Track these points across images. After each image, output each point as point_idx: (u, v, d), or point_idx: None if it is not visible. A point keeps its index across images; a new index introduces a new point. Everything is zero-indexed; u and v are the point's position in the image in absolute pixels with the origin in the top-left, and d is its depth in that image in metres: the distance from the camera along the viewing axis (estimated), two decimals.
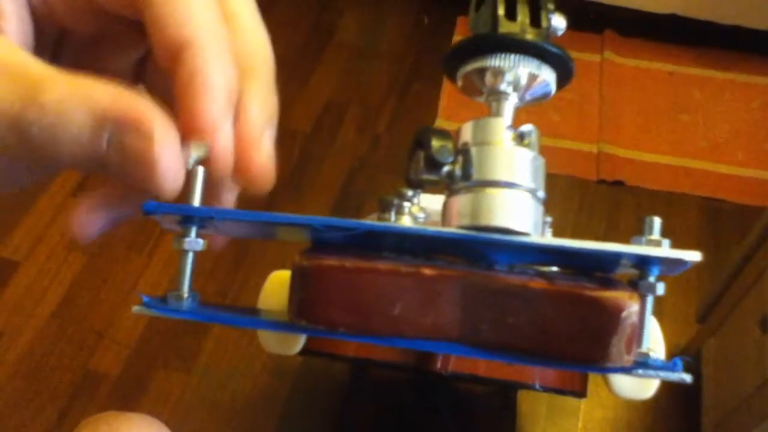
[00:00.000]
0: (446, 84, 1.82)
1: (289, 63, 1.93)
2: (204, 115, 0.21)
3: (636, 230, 0.21)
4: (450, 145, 0.21)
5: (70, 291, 1.47)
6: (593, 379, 0.98)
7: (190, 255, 0.22)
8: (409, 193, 0.29)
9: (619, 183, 1.66)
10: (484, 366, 0.85)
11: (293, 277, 0.20)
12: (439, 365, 0.81)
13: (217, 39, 0.21)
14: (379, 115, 1.81)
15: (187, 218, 0.22)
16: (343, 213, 1.56)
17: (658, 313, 0.21)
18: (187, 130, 0.21)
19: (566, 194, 1.63)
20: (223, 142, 0.21)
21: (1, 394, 1.34)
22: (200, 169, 0.21)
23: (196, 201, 0.21)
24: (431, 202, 0.31)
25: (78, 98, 0.19)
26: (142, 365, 1.38)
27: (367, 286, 0.20)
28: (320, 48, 1.97)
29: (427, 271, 0.20)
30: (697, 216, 1.60)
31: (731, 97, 1.84)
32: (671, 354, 0.21)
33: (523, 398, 1.31)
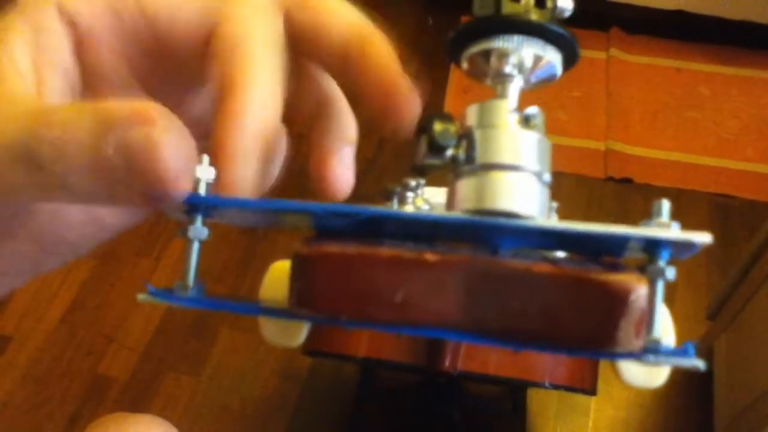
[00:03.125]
0: (451, 84, 1.81)
1: None
2: (223, 144, 0.21)
3: None
4: (452, 128, 0.20)
5: (79, 296, 1.48)
6: (603, 377, 0.98)
7: (196, 244, 0.22)
8: (413, 183, 0.28)
9: (627, 180, 1.65)
10: (493, 364, 0.85)
11: (293, 265, 0.20)
12: (447, 364, 0.81)
13: (263, 86, 0.22)
14: None
15: (193, 207, 0.21)
16: None
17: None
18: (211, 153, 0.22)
19: (574, 192, 1.62)
20: (232, 176, 0.21)
21: (11, 399, 1.34)
22: (205, 157, 0.22)
23: (201, 189, 0.21)
24: (435, 194, 0.31)
25: (85, 111, 0.19)
26: (151, 369, 1.38)
27: (369, 273, 0.19)
28: None
29: (431, 257, 0.19)
30: (707, 212, 1.58)
31: (739, 92, 1.82)
32: None
33: (533, 398, 1.30)
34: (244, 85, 0.22)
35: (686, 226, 0.20)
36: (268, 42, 0.23)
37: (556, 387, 0.88)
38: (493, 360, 0.84)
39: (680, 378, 1.31)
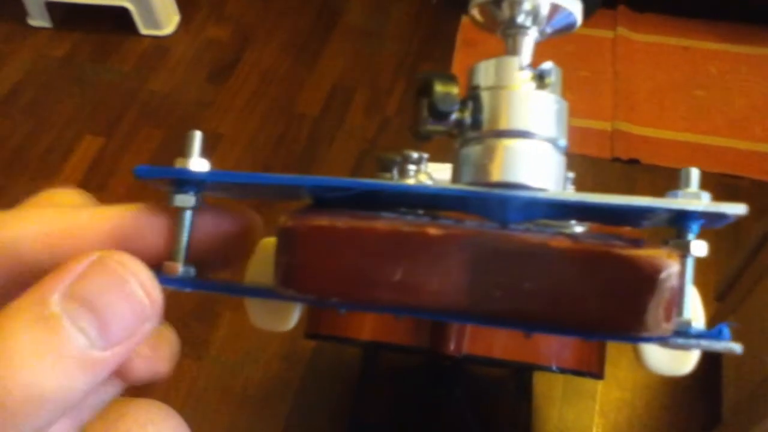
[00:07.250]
0: (455, 64, 1.78)
1: (296, 47, 1.91)
2: None
3: None
4: (455, 90, 0.18)
5: None
6: (610, 359, 0.96)
7: (188, 214, 0.20)
8: (414, 155, 0.26)
9: (634, 161, 1.62)
10: (499, 348, 0.83)
11: (278, 241, 0.18)
12: (452, 348, 0.79)
13: None
14: (388, 98, 1.78)
15: (181, 182, 0.20)
16: None
17: None
18: None
19: (580, 173, 1.58)
20: None
21: None
22: (197, 133, 0.20)
23: (191, 165, 0.19)
24: (438, 170, 0.29)
25: None
26: None
27: (363, 248, 0.17)
28: (327, 31, 1.95)
29: (433, 231, 0.17)
30: (715, 193, 1.53)
31: (749, 71, 1.79)
32: None
33: (539, 380, 1.29)
34: None
35: None
36: None
37: (563, 371, 0.86)
38: (498, 343, 0.82)
39: None
